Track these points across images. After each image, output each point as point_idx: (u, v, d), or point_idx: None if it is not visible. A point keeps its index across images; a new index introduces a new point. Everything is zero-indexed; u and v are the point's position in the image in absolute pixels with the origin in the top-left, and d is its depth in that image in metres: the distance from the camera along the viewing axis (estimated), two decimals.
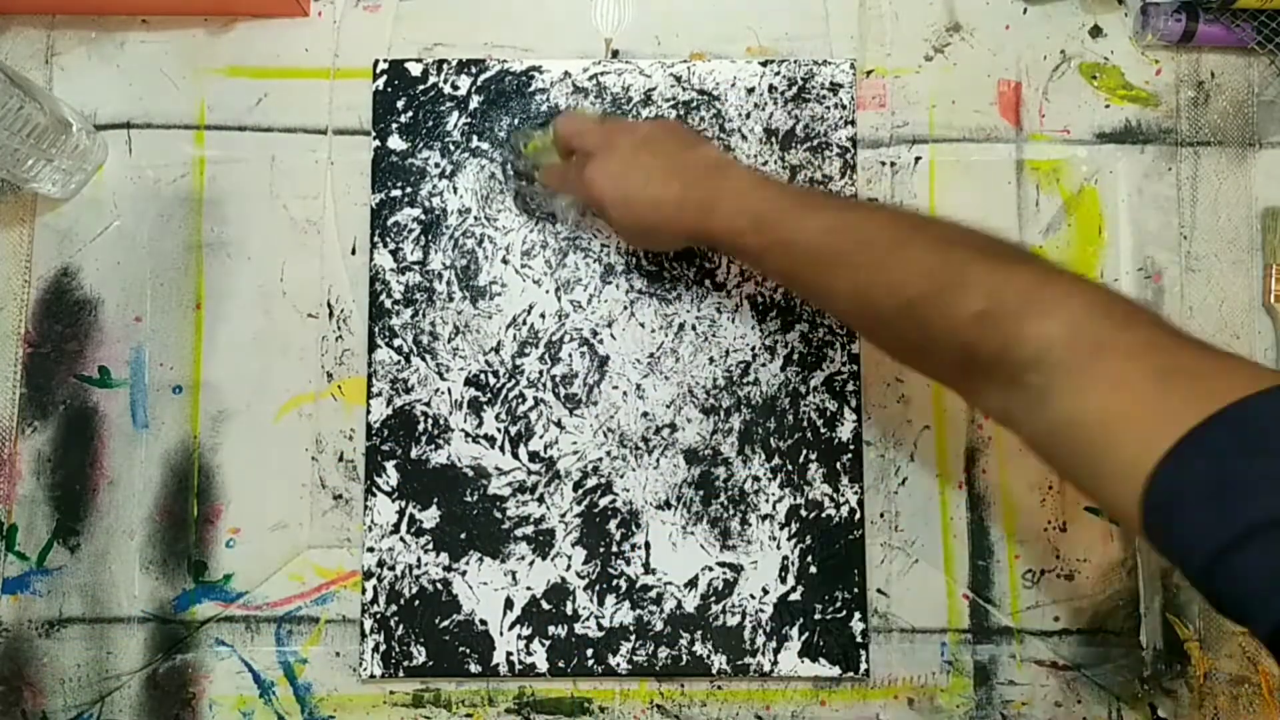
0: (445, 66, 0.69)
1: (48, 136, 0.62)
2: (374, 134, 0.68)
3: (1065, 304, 0.44)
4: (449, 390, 0.66)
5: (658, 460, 0.66)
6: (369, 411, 0.66)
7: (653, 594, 0.65)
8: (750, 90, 0.69)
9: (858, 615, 0.64)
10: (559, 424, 0.66)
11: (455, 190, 0.68)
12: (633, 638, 0.64)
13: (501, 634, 0.64)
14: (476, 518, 0.65)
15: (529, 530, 0.65)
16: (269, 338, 0.67)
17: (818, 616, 0.65)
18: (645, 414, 0.66)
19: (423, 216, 0.67)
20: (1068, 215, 0.69)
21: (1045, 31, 0.71)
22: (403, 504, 0.65)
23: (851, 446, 0.66)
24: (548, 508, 0.65)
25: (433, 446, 0.66)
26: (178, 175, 0.68)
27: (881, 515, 0.66)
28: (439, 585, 0.65)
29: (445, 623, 0.64)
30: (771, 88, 0.69)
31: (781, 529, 0.65)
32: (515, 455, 0.66)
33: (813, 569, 0.65)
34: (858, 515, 0.65)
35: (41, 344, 0.67)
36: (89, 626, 0.65)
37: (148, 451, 0.66)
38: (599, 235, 0.67)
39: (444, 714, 0.65)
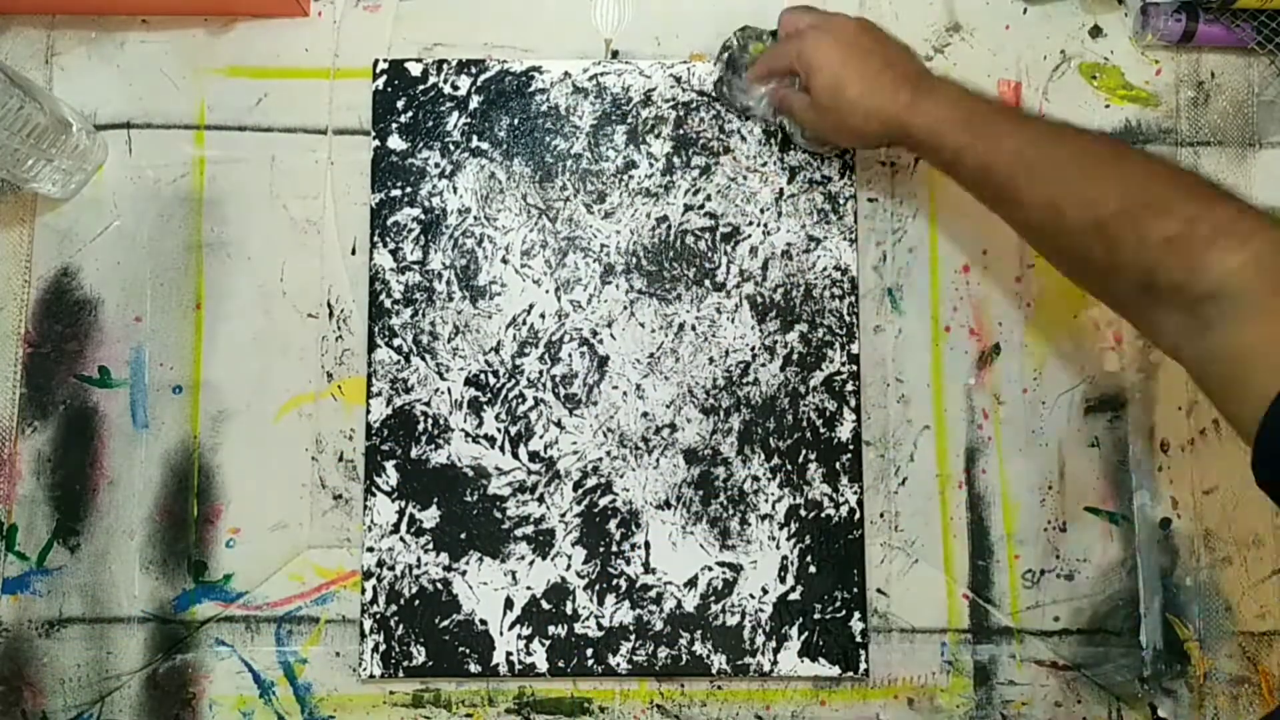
0: (445, 66, 0.69)
1: (48, 136, 0.62)
2: (374, 134, 0.68)
3: (1253, 240, 0.45)
4: (449, 390, 0.66)
5: (657, 460, 0.66)
6: (369, 411, 0.66)
7: (652, 594, 0.65)
8: None
9: (857, 615, 0.64)
10: (559, 424, 0.66)
11: (455, 190, 0.68)
12: (632, 637, 0.64)
13: (501, 634, 0.64)
14: (476, 518, 0.65)
15: (529, 530, 0.65)
16: (269, 338, 0.67)
17: (817, 616, 0.65)
18: (645, 414, 0.66)
19: (422, 216, 0.67)
20: None
21: (1045, 31, 0.71)
22: (402, 504, 0.65)
23: (851, 446, 0.66)
24: (548, 508, 0.65)
25: (433, 446, 0.66)
26: (178, 175, 0.68)
27: (881, 515, 0.66)
28: (439, 585, 0.65)
29: (445, 623, 0.64)
30: None
31: (781, 529, 0.65)
32: (515, 455, 0.66)
33: (812, 569, 0.65)
34: (857, 515, 0.65)
35: (41, 344, 0.67)
36: (89, 626, 0.65)
37: (148, 451, 0.66)
38: (792, 130, 0.66)
39: (444, 714, 0.65)
